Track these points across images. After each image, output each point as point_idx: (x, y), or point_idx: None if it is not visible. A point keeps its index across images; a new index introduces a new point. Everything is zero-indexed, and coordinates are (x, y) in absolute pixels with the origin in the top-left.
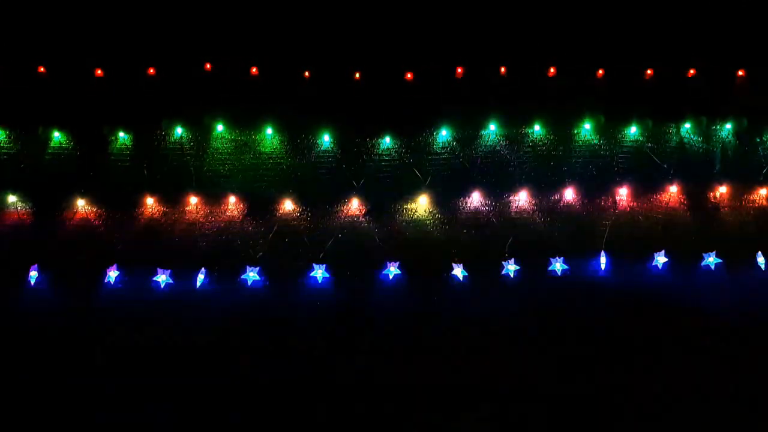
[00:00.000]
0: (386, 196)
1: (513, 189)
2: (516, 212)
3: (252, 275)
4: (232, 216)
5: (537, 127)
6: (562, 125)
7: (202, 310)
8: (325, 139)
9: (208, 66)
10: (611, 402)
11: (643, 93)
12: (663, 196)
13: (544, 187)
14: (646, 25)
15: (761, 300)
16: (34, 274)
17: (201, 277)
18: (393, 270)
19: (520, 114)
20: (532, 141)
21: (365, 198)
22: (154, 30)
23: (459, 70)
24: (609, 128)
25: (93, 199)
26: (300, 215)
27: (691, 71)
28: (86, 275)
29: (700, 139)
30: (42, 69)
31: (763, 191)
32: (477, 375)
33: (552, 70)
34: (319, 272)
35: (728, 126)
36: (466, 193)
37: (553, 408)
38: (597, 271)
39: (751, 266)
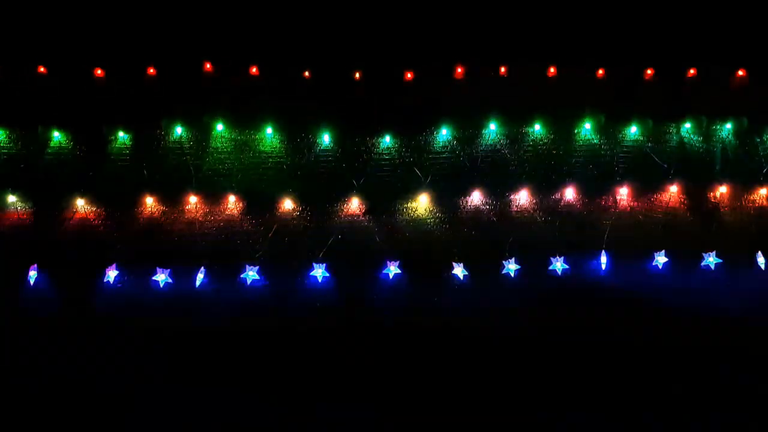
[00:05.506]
0: (386, 196)
1: (514, 188)
2: (517, 211)
3: (251, 274)
4: (232, 215)
5: (537, 127)
6: (562, 125)
7: (202, 310)
8: (325, 139)
9: (208, 66)
10: (611, 402)
11: (643, 93)
12: (663, 195)
13: (545, 186)
14: (647, 24)
15: (761, 300)
16: (33, 273)
17: (200, 276)
18: (393, 269)
19: (520, 113)
20: (532, 140)
21: (365, 197)
22: (154, 30)
23: (459, 69)
24: (609, 128)
25: (93, 199)
26: (300, 214)
27: (692, 71)
28: (85, 275)
29: (701, 139)
30: (42, 69)
31: (763, 191)
32: (476, 375)
33: (552, 69)
34: (319, 271)
35: (728, 126)
36: (467, 192)
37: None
38: (597, 270)
39: (751, 266)
